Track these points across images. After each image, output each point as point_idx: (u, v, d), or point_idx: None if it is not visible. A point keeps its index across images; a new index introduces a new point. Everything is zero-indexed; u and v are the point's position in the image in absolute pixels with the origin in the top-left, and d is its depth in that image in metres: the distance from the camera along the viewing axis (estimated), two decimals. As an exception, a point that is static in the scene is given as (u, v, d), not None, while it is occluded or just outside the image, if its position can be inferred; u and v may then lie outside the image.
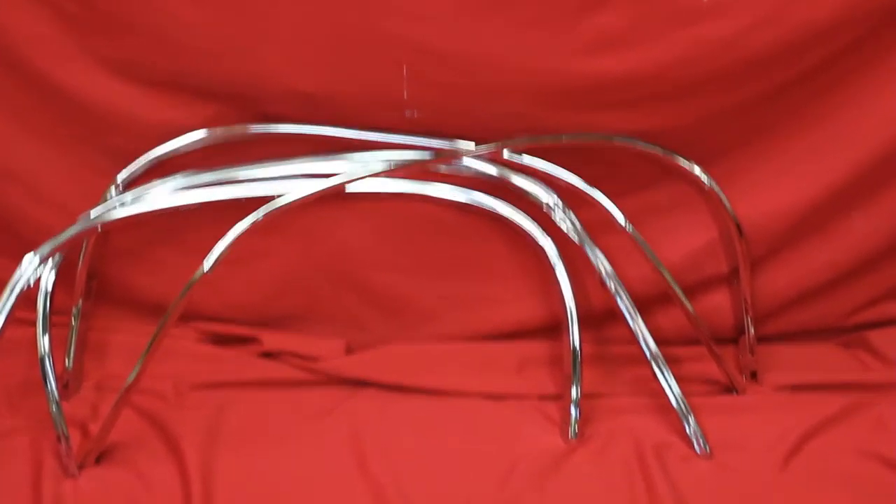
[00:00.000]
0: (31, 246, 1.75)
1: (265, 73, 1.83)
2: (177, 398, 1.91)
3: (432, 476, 1.76)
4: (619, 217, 1.87)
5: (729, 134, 1.91)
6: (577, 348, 1.86)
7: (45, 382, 1.73)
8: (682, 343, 1.98)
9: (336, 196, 1.87)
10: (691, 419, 1.82)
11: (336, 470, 1.77)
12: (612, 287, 1.86)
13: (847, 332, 2.08)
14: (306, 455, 1.80)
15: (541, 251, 1.90)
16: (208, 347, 2.02)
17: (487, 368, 1.98)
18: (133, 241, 1.98)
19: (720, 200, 1.90)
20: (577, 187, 1.86)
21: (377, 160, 1.88)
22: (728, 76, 1.81)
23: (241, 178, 1.89)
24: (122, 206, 1.83)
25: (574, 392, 1.86)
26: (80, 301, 1.95)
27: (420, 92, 1.83)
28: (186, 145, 1.89)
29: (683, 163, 1.88)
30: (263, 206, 1.72)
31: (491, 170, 1.89)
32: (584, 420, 1.86)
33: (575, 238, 1.87)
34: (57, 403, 1.73)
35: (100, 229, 1.82)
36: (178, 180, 1.88)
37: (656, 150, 1.86)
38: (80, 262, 1.92)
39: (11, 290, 1.72)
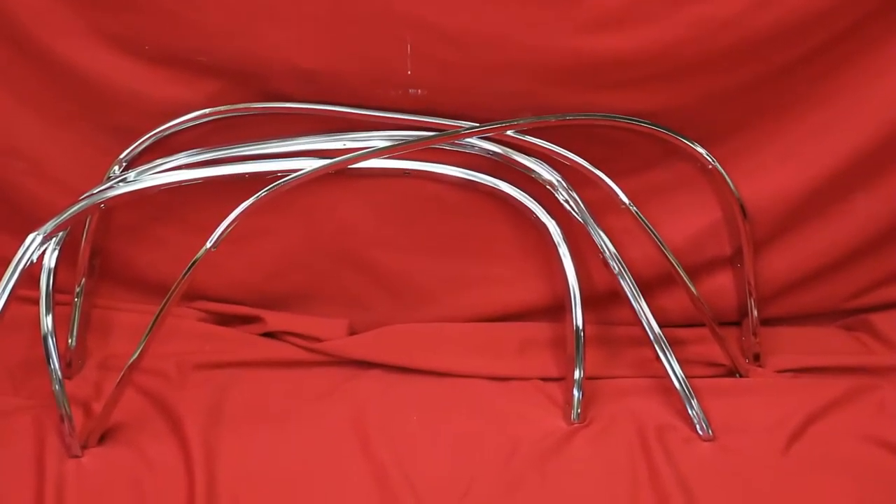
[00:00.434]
0: (35, 224, 1.75)
1: (269, 51, 1.83)
2: (180, 378, 1.91)
3: (434, 457, 1.77)
4: (623, 197, 1.86)
5: (732, 115, 1.91)
6: (580, 330, 1.86)
7: (48, 361, 1.73)
8: (685, 325, 1.99)
9: (339, 174, 1.87)
10: (694, 401, 1.82)
11: (338, 450, 1.78)
12: (616, 268, 1.86)
13: (850, 315, 2.08)
14: (308, 435, 1.81)
15: (544, 231, 1.90)
16: (211, 327, 2.02)
17: (490, 350, 1.98)
18: (136, 219, 1.98)
19: (724, 181, 1.90)
20: (580, 167, 1.86)
21: (381, 138, 1.88)
22: (730, 56, 1.81)
23: (244, 156, 1.89)
24: (125, 183, 1.83)
25: (577, 374, 1.86)
26: (83, 279, 1.95)
27: (424, 70, 1.83)
28: (190, 123, 1.89)
29: (687, 143, 1.87)
30: (269, 184, 1.72)
31: (494, 149, 1.89)
32: (586, 402, 1.86)
33: (578, 218, 1.87)
34: (60, 382, 1.72)
35: (103, 207, 1.82)
36: (181, 158, 1.88)
37: (660, 130, 1.85)
38: (84, 240, 1.92)
39: (14, 268, 1.71)
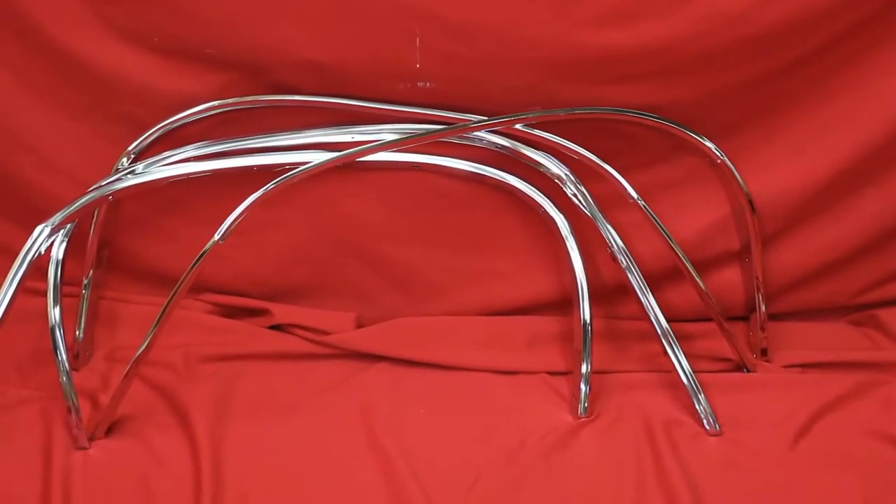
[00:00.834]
0: (43, 215, 1.75)
1: (277, 44, 1.83)
2: (187, 370, 1.91)
3: (441, 450, 1.77)
4: (631, 191, 1.86)
5: (740, 110, 1.91)
6: (588, 324, 1.86)
7: (56, 353, 1.73)
8: (693, 319, 1.99)
9: (347, 167, 1.88)
10: (701, 396, 1.82)
11: (345, 443, 1.78)
12: (624, 262, 1.86)
13: (858, 310, 2.08)
14: (315, 428, 1.81)
15: (552, 225, 1.89)
16: (219, 319, 2.02)
17: (497, 343, 1.98)
18: (144, 212, 1.98)
19: (733, 175, 1.90)
20: (588, 161, 1.86)
21: (389, 132, 1.88)
22: (739, 51, 1.81)
23: (252, 149, 1.89)
24: (134, 175, 1.83)
25: (584, 368, 1.85)
26: (91, 271, 1.96)
27: (432, 63, 1.83)
28: (198, 115, 1.89)
29: (696, 137, 1.87)
30: (277, 177, 1.71)
31: (503, 143, 1.88)
32: (593, 396, 1.86)
33: (586, 212, 1.87)
34: (67, 374, 1.72)
35: (111, 199, 1.82)
36: (189, 150, 1.88)
37: (669, 125, 1.85)
38: (92, 232, 1.93)
39: (22, 260, 1.71)
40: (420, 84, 1.84)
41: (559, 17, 1.78)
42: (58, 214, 1.74)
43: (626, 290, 1.88)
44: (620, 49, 1.79)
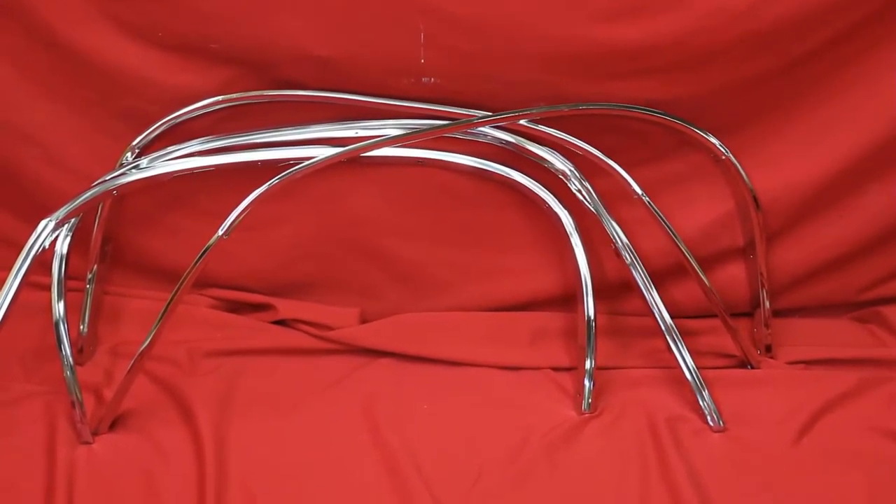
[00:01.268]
0: (47, 210, 1.75)
1: (282, 39, 1.83)
2: (190, 365, 1.92)
3: (445, 446, 1.77)
4: (635, 187, 1.86)
5: (745, 106, 1.91)
6: (592, 320, 1.86)
7: (60, 347, 1.73)
8: (697, 316, 1.99)
9: (351, 163, 1.87)
10: (705, 392, 1.82)
11: (348, 438, 1.78)
12: (628, 258, 1.86)
13: (862, 307, 2.08)
14: (319, 423, 1.81)
15: (556, 221, 1.89)
16: (222, 315, 2.02)
17: (501, 339, 1.99)
18: (148, 206, 1.98)
19: (737, 171, 1.89)
20: (593, 157, 1.86)
21: (393, 127, 1.88)
22: (744, 47, 1.81)
23: (256, 144, 1.89)
24: (138, 170, 1.83)
25: (588, 364, 1.86)
26: (95, 266, 1.96)
27: (437, 59, 1.82)
28: (202, 110, 1.89)
29: (700, 133, 1.87)
30: (281, 172, 1.71)
31: (507, 138, 1.88)
32: (597, 392, 1.86)
33: (591, 208, 1.87)
34: (71, 368, 1.73)
35: (115, 193, 1.82)
36: (193, 145, 1.88)
37: (673, 121, 1.85)
38: (96, 227, 1.93)
39: (27, 255, 1.71)
40: (424, 79, 1.84)
41: (564, 13, 1.78)
42: (62, 209, 1.74)
43: (630, 286, 1.88)
44: (626, 45, 1.79)
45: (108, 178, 1.81)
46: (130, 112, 1.90)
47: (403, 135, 1.82)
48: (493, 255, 2.01)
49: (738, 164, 1.89)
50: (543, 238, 1.98)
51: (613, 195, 1.89)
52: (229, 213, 1.68)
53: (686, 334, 1.87)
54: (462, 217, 1.97)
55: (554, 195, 1.89)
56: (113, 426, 1.77)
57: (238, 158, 1.85)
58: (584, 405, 1.84)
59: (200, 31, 1.84)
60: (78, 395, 1.72)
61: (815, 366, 1.96)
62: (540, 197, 1.89)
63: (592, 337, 1.86)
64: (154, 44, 1.86)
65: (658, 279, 1.88)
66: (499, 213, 1.97)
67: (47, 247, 1.74)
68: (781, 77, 1.87)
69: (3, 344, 1.69)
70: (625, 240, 1.86)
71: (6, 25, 1.87)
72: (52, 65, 1.88)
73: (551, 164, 1.88)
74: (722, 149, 1.88)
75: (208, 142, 1.88)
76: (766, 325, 1.99)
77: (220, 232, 1.68)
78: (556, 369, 1.94)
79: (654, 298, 1.85)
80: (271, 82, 1.89)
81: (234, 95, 1.88)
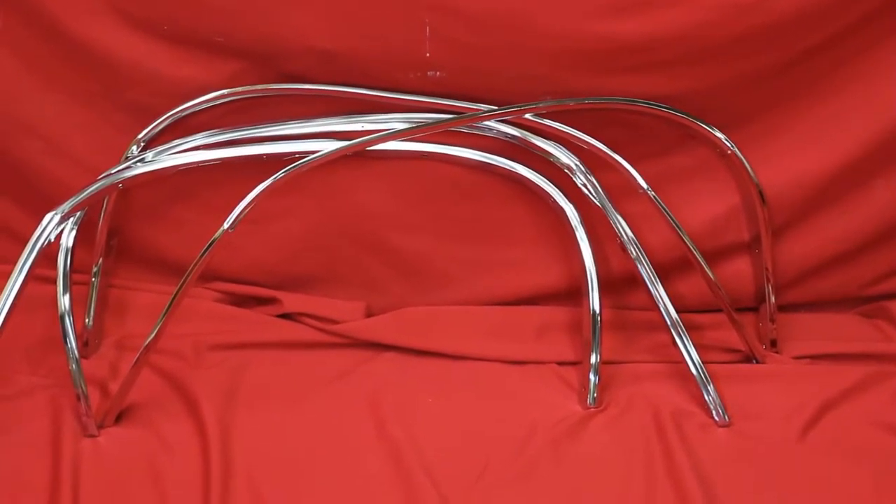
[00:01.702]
0: (52, 203, 1.75)
1: (287, 32, 1.83)
2: (196, 358, 1.91)
3: (450, 439, 1.77)
4: (641, 181, 1.86)
5: (751, 100, 1.90)
6: (597, 314, 1.86)
7: (65, 340, 1.73)
8: (703, 310, 1.99)
9: (356, 156, 1.87)
10: (710, 387, 1.82)
11: (354, 432, 1.78)
12: (633, 252, 1.86)
13: (868, 302, 2.08)
14: (324, 416, 1.81)
15: (561, 215, 1.89)
16: (228, 308, 2.03)
17: (506, 333, 1.98)
18: (153, 200, 1.98)
19: (743, 166, 1.89)
20: (598, 151, 1.85)
21: (399, 121, 1.88)
22: (750, 41, 1.80)
23: (262, 137, 1.89)
24: (143, 163, 1.83)
25: (593, 358, 1.85)
26: (101, 259, 1.96)
27: (443, 52, 1.82)
28: (208, 104, 1.89)
29: (706, 128, 1.87)
30: (287, 166, 1.71)
31: (513, 132, 1.88)
32: (602, 386, 1.86)
33: (596, 202, 1.87)
34: (77, 361, 1.73)
35: (121, 187, 1.82)
36: (199, 139, 1.88)
37: (679, 115, 1.85)
38: (101, 220, 1.93)
39: (32, 248, 1.71)
40: (430, 73, 1.84)
41: (570, 7, 1.77)
42: (67, 202, 1.74)
43: (635, 280, 1.88)
44: (632, 39, 1.79)
45: (113, 171, 1.81)
46: (136, 105, 1.90)
47: (409, 129, 1.82)
48: (498, 249, 2.01)
49: (743, 159, 1.89)
50: (549, 232, 1.97)
51: (619, 189, 1.88)
52: (235, 207, 1.68)
53: (691, 329, 1.87)
54: (467, 211, 1.97)
55: (559, 189, 1.89)
56: (118, 419, 1.77)
57: (244, 152, 1.85)
58: (590, 399, 1.84)
59: (206, 24, 1.84)
60: (83, 388, 1.72)
61: (821, 360, 1.96)
62: (545, 191, 1.89)
63: (597, 331, 1.86)
64: (160, 37, 1.86)
65: (663, 273, 1.88)
66: (504, 207, 1.97)
67: (53, 240, 1.73)
68: (788, 71, 1.86)
69: (8, 337, 1.69)
70: (630, 234, 1.86)
71: (12, 18, 1.87)
72: (58, 58, 1.88)
73: (557, 158, 1.88)
74: (728, 143, 1.88)
75: (214, 135, 1.88)
76: (772, 320, 1.99)
77: (226, 225, 1.68)
78: (561, 363, 1.94)
79: (659, 293, 1.85)
80: (277, 76, 1.89)
81: (239, 89, 1.88)
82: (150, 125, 1.90)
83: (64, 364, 1.74)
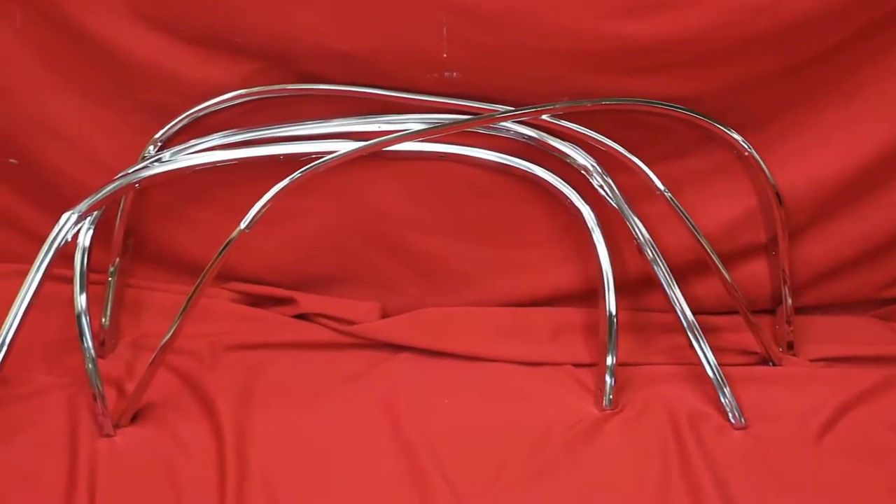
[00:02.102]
0: (69, 202, 1.76)
1: (304, 33, 1.83)
2: (212, 358, 1.92)
3: (465, 440, 1.76)
4: (658, 183, 1.86)
5: (768, 101, 1.90)
6: (613, 315, 1.86)
7: (82, 340, 1.74)
8: (719, 312, 1.98)
9: (373, 157, 1.87)
10: (726, 389, 1.82)
11: (369, 432, 1.78)
12: (650, 254, 1.85)
13: (885, 305, 2.07)
14: (340, 416, 1.81)
15: (578, 216, 1.89)
16: (244, 308, 2.03)
17: (522, 334, 1.98)
18: (170, 200, 1.98)
19: (760, 167, 1.89)
20: (615, 152, 1.85)
21: (415, 121, 1.88)
22: (767, 42, 1.80)
23: (278, 137, 1.89)
24: (160, 163, 1.84)
25: (609, 360, 1.85)
26: (118, 259, 1.96)
27: (460, 53, 1.82)
28: (224, 104, 1.89)
29: (723, 129, 1.86)
30: (303, 166, 1.72)
31: (529, 133, 1.88)
32: (618, 388, 1.85)
33: (612, 203, 1.86)
34: (93, 361, 1.73)
35: (137, 186, 1.83)
36: (215, 139, 1.89)
37: (696, 116, 1.84)
38: (118, 220, 1.93)
39: (49, 247, 1.73)
40: (447, 74, 1.84)
41: (588, 7, 1.77)
42: (85, 202, 1.75)
43: (651, 282, 1.87)
44: (649, 40, 1.79)
45: (130, 171, 1.82)
46: (153, 105, 1.91)
47: (425, 129, 1.82)
48: (514, 250, 2.00)
49: (760, 160, 1.88)
50: (565, 233, 1.97)
51: (635, 191, 1.88)
52: (251, 207, 1.69)
53: (708, 331, 1.86)
54: (484, 212, 1.97)
55: (576, 190, 1.89)
56: (134, 419, 1.77)
57: (260, 152, 1.86)
58: (605, 401, 1.84)
59: (223, 24, 1.84)
60: (99, 387, 1.73)
61: (838, 363, 1.95)
62: (562, 192, 1.89)
63: (614, 333, 1.86)
64: (177, 37, 1.87)
65: (680, 275, 1.88)
66: (520, 208, 1.96)
67: (70, 239, 1.75)
68: (804, 73, 1.86)
69: (25, 336, 1.70)
70: (647, 235, 1.86)
71: (30, 19, 1.87)
72: (76, 56, 1.89)
73: (573, 159, 1.88)
74: (745, 145, 1.87)
75: (231, 135, 1.89)
76: (789, 322, 1.98)
77: (242, 225, 1.68)
78: (576, 365, 1.94)
79: (675, 294, 1.84)
80: (294, 76, 1.89)
81: (256, 89, 1.88)
82: (167, 125, 1.90)
83: (80, 363, 1.74)
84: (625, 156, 1.85)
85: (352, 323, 1.98)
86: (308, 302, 2.01)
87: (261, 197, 1.69)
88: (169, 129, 1.90)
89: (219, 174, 1.88)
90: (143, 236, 2.01)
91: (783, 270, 1.96)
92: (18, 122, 1.94)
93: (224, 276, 2.02)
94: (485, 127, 1.88)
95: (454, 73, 1.84)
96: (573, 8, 1.77)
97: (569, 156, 1.88)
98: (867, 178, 1.93)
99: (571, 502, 1.67)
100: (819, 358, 1.96)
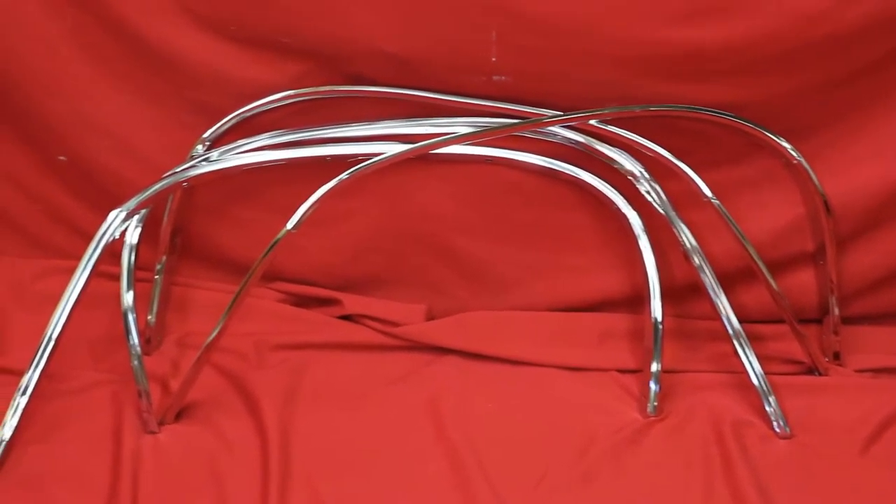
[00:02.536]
0: (118, 200, 1.78)
1: (354, 34, 1.83)
2: (257, 358, 1.92)
3: (509, 444, 1.76)
4: (706, 190, 1.85)
5: (818, 110, 1.88)
6: (659, 322, 1.85)
7: (128, 337, 1.75)
8: (765, 321, 1.96)
9: (420, 159, 1.87)
10: (772, 398, 1.81)
11: (413, 434, 1.78)
12: (696, 261, 1.85)
13: (933, 316, 2.05)
14: (384, 418, 1.81)
15: (625, 222, 1.88)
16: (289, 308, 2.03)
17: (568, 339, 1.98)
18: (218, 199, 1.99)
19: (808, 176, 1.88)
20: (663, 158, 1.85)
21: (463, 125, 1.88)
22: (818, 51, 1.79)
23: (326, 139, 1.89)
24: (208, 162, 1.84)
25: (654, 366, 1.85)
26: (165, 257, 1.97)
27: (508, 57, 1.82)
28: (273, 104, 1.90)
29: (772, 137, 1.85)
30: (351, 167, 1.72)
31: (577, 138, 1.88)
32: (663, 395, 1.85)
33: (660, 210, 1.86)
34: (139, 358, 1.75)
35: (185, 185, 1.85)
36: (264, 139, 1.89)
37: (745, 124, 1.84)
38: (165, 218, 1.94)
39: (97, 244, 1.74)
40: (495, 77, 1.84)
41: (637, 13, 1.77)
42: (132, 200, 1.77)
43: (698, 289, 1.87)
44: (700, 46, 1.78)
45: (178, 169, 1.83)
46: (202, 105, 1.92)
47: (473, 132, 1.82)
48: (560, 254, 2.00)
49: (809, 169, 1.87)
50: (611, 239, 1.96)
51: (683, 197, 1.87)
52: (298, 207, 1.70)
53: (754, 339, 1.85)
54: (530, 216, 1.97)
55: (623, 196, 1.88)
56: (179, 417, 1.78)
57: (308, 153, 1.86)
58: (650, 408, 1.83)
59: (273, 25, 1.85)
60: (145, 384, 1.74)
61: (884, 374, 1.93)
62: (609, 198, 1.88)
63: (659, 339, 1.85)
64: (227, 37, 1.88)
65: (726, 283, 1.87)
66: (567, 212, 1.96)
67: (117, 237, 1.77)
68: (854, 82, 1.85)
69: (72, 332, 1.71)
70: (693, 242, 1.85)
71: (81, 18, 1.89)
72: (127, 56, 1.90)
73: (621, 164, 1.87)
74: (793, 153, 1.86)
75: (279, 136, 1.89)
76: (835, 332, 1.97)
77: (289, 226, 1.69)
78: (621, 371, 1.93)
79: (722, 302, 1.84)
80: (343, 77, 1.90)
81: (305, 90, 1.89)
82: (215, 124, 1.91)
83: (126, 360, 1.75)
84: (672, 162, 1.85)
85: (397, 325, 1.98)
86: (353, 303, 2.01)
87: (308, 198, 1.70)
88: (217, 128, 1.91)
89: (266, 174, 1.89)
90: (190, 235, 2.02)
91: (830, 280, 1.95)
92: (67, 119, 1.96)
93: (270, 276, 2.02)
94: (532, 131, 1.88)
95: (502, 77, 1.84)
96: (624, 14, 1.77)
97: (616, 161, 1.87)
98: (915, 190, 1.92)
99: (615, 508, 1.68)
100: (866, 368, 1.95)
